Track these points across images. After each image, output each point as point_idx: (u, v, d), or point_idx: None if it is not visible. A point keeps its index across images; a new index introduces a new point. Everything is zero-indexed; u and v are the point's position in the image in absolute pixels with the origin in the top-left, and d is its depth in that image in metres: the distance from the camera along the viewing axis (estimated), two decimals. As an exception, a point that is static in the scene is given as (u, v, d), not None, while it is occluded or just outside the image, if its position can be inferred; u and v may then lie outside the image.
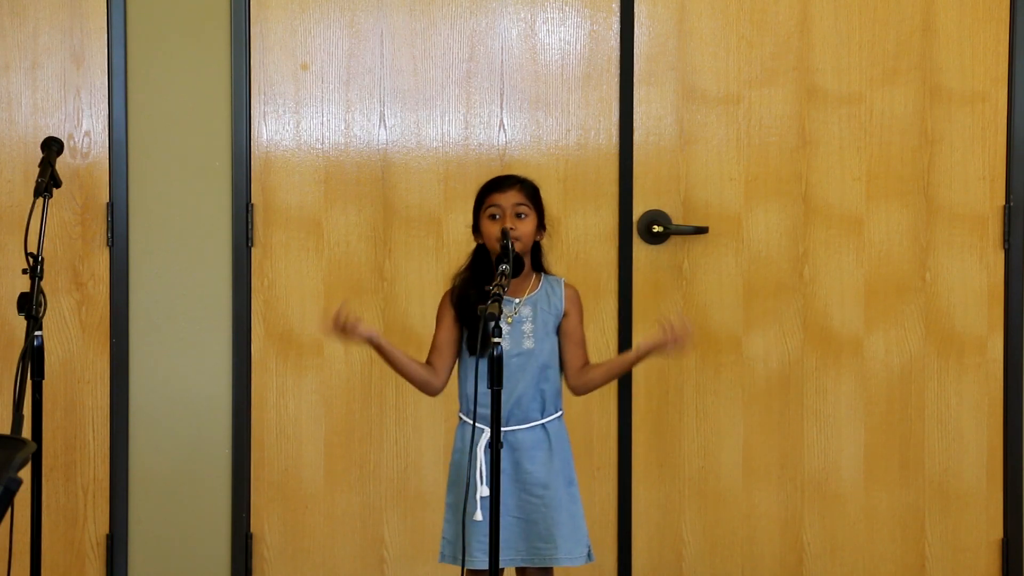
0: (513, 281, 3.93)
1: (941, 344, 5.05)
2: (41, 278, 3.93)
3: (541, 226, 4.12)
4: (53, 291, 4.84)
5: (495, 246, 4.03)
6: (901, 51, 5.00)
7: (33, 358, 3.92)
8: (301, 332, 4.97)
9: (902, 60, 5.00)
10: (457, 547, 4.04)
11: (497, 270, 3.87)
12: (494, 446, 3.78)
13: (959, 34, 5.00)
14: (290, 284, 4.96)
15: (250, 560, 4.98)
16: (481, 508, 3.96)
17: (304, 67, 4.95)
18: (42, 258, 3.95)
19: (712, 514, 5.04)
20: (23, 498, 3.74)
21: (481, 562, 3.98)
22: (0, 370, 4.92)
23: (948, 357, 5.05)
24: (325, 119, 4.96)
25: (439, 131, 4.98)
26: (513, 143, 4.98)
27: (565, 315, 4.10)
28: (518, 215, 4.05)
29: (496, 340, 3.72)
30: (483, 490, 3.97)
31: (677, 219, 5.00)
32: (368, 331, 3.96)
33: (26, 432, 3.80)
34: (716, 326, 5.01)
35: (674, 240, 5.00)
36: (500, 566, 3.95)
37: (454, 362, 4.10)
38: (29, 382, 3.84)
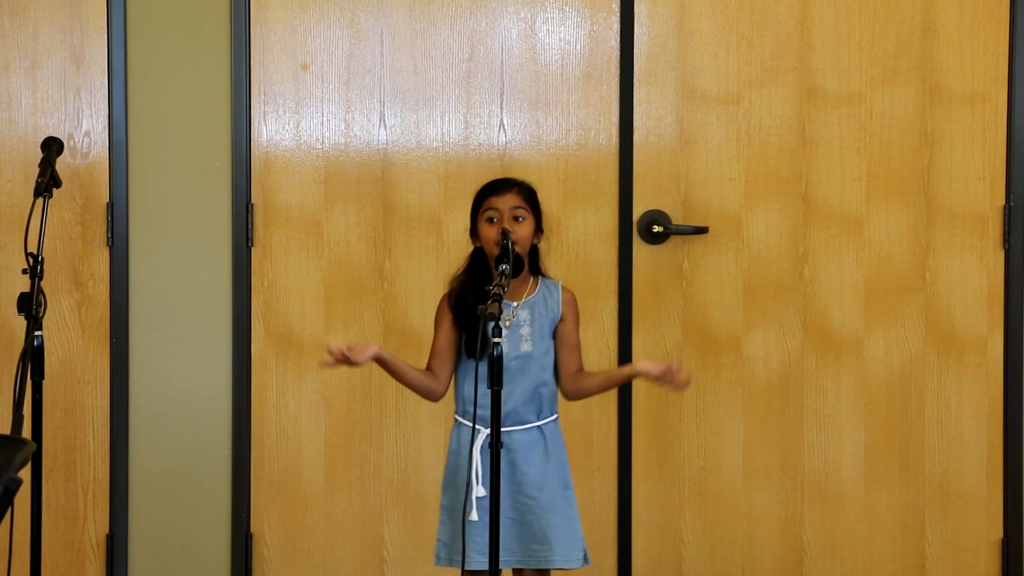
0: (511, 284, 3.92)
1: (941, 344, 5.05)
2: (41, 278, 3.93)
3: (539, 229, 4.11)
4: (53, 291, 4.84)
5: (492, 249, 4.02)
6: (901, 51, 5.00)
7: (33, 358, 3.91)
8: (301, 332, 4.97)
9: (902, 60, 5.00)
10: (452, 549, 4.04)
11: (497, 270, 3.87)
12: (494, 446, 3.78)
13: (959, 34, 5.00)
14: (290, 284, 4.96)
15: (250, 560, 4.98)
16: (477, 508, 3.96)
17: (304, 67, 4.95)
18: (42, 258, 3.95)
19: (712, 514, 5.04)
20: (23, 498, 3.74)
21: (476, 563, 3.98)
22: (0, 370, 4.92)
23: (948, 357, 5.05)
24: (325, 119, 4.96)
25: (439, 131, 4.98)
26: (513, 143, 4.98)
27: (561, 319, 4.10)
28: (516, 218, 4.05)
29: (496, 340, 3.72)
30: (479, 490, 3.97)
31: (677, 219, 5.00)
32: (373, 353, 3.94)
33: (26, 432, 3.80)
34: (716, 326, 5.01)
35: (674, 240, 5.00)
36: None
37: (454, 366, 4.10)
38: (29, 382, 3.84)
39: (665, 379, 3.99)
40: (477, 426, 4.00)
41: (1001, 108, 5.02)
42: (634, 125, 4.98)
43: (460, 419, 4.09)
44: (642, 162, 4.98)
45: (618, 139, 4.97)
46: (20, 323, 3.96)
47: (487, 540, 3.92)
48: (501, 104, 4.98)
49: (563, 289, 4.13)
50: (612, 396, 4.97)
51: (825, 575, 5.06)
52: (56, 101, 4.91)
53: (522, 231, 4.03)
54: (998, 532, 5.08)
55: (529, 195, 4.10)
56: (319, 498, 4.99)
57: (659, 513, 5.03)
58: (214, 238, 4.93)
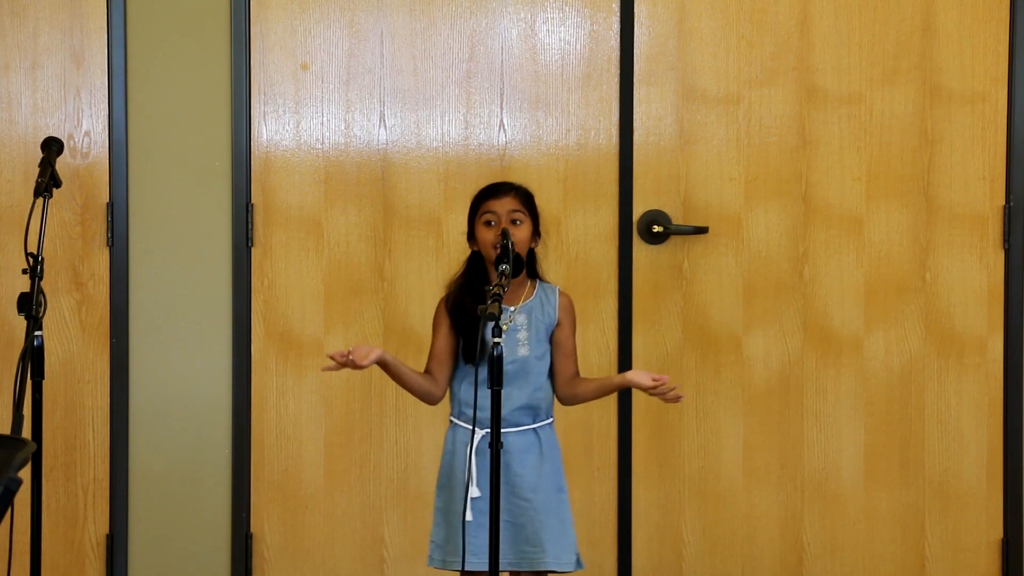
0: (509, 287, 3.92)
1: (941, 344, 5.05)
2: (41, 278, 3.93)
3: (536, 233, 4.11)
4: (53, 291, 4.84)
5: (490, 253, 4.02)
6: (901, 51, 5.00)
7: (33, 358, 3.91)
8: (301, 332, 4.97)
9: (902, 60, 5.00)
10: (446, 550, 4.03)
11: (496, 271, 3.87)
12: (494, 446, 3.78)
13: (959, 34, 5.00)
14: (290, 284, 4.96)
15: (250, 560, 4.98)
16: (471, 509, 3.96)
17: (304, 67, 4.95)
18: (42, 258, 3.94)
19: (712, 514, 5.04)
20: (23, 498, 3.74)
21: (469, 563, 3.98)
22: (0, 370, 4.92)
23: (948, 357, 5.05)
24: (325, 119, 4.96)
25: (439, 131, 4.98)
26: (513, 143, 4.97)
27: (558, 324, 4.09)
28: (513, 221, 4.04)
29: (496, 340, 3.72)
30: (473, 491, 3.96)
31: (677, 219, 5.00)
32: (376, 357, 3.94)
33: (26, 432, 3.80)
34: (716, 326, 5.01)
35: (674, 240, 5.00)
36: (483, 568, 3.95)
37: (453, 369, 4.10)
38: (29, 382, 3.84)
39: (657, 392, 3.99)
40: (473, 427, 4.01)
41: (1001, 108, 5.02)
42: (634, 125, 4.97)
43: (456, 420, 4.09)
44: (642, 162, 4.98)
45: (618, 139, 4.97)
46: (20, 323, 3.96)
47: (480, 541, 3.92)
48: (501, 104, 4.98)
49: (560, 294, 4.13)
50: (612, 397, 4.97)
51: (825, 575, 5.06)
52: (56, 101, 4.91)
53: (519, 234, 4.02)
54: (998, 532, 5.08)
55: (526, 199, 4.10)
56: (319, 498, 4.99)
57: (659, 513, 5.03)
58: (214, 238, 4.93)
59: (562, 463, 4.11)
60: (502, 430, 3.92)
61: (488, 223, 4.05)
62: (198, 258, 4.94)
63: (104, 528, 4.96)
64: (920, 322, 5.04)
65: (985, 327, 5.05)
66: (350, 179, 4.97)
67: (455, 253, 4.71)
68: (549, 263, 4.80)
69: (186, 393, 4.94)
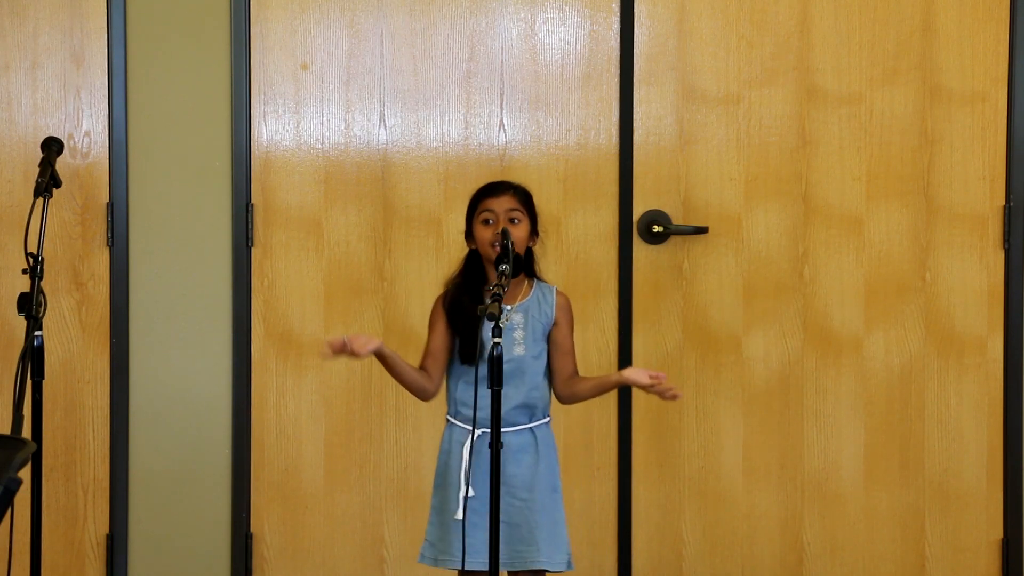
0: None
1: (941, 344, 5.05)
2: (41, 278, 3.93)
3: (534, 232, 4.11)
4: (53, 291, 4.84)
5: (487, 251, 4.03)
6: (901, 51, 5.00)
7: (33, 358, 3.91)
8: (301, 332, 4.97)
9: (902, 60, 5.00)
10: (438, 548, 4.04)
11: (496, 271, 3.87)
12: (494, 446, 3.78)
13: (959, 34, 5.00)
14: (290, 284, 4.96)
15: (250, 560, 4.98)
16: (462, 507, 3.96)
17: (304, 67, 4.95)
18: (42, 258, 3.94)
19: (712, 514, 5.04)
20: (23, 498, 3.73)
21: (460, 562, 3.99)
22: (0, 370, 4.92)
23: (948, 357, 5.05)
24: (325, 119, 4.96)
25: (439, 131, 4.98)
26: (513, 143, 4.98)
27: (555, 324, 4.09)
28: (511, 220, 4.05)
29: (496, 340, 3.72)
30: (465, 490, 3.97)
31: (677, 219, 5.00)
32: (374, 347, 3.95)
33: (26, 432, 3.80)
34: (716, 326, 5.01)
35: (674, 240, 5.00)
36: (478, 567, 3.96)
37: (445, 365, 4.11)
38: (29, 382, 3.84)
39: (654, 390, 3.99)
40: (468, 427, 4.01)
41: (1001, 108, 5.02)
42: (634, 125, 4.97)
43: (452, 420, 4.09)
44: (642, 162, 4.98)
45: (618, 139, 4.97)
46: (20, 323, 3.96)
47: (474, 540, 3.92)
48: (501, 104, 4.98)
49: (558, 293, 4.13)
50: (612, 396, 4.97)
51: (825, 575, 5.06)
52: (56, 101, 4.91)
53: (517, 233, 4.02)
54: (998, 532, 5.08)
55: (525, 198, 4.10)
56: (319, 498, 4.99)
57: (659, 513, 5.03)
58: (214, 238, 4.93)
59: (558, 462, 4.12)
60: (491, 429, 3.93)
61: (486, 222, 4.05)
62: (198, 258, 4.94)
63: (104, 528, 4.96)
64: (920, 322, 5.04)
65: (985, 327, 5.05)
66: (350, 179, 4.97)
67: (455, 253, 4.71)
68: (549, 263, 4.80)
69: (186, 393, 4.94)
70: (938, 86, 5.01)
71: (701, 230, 4.99)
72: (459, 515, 3.97)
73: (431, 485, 4.14)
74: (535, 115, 4.98)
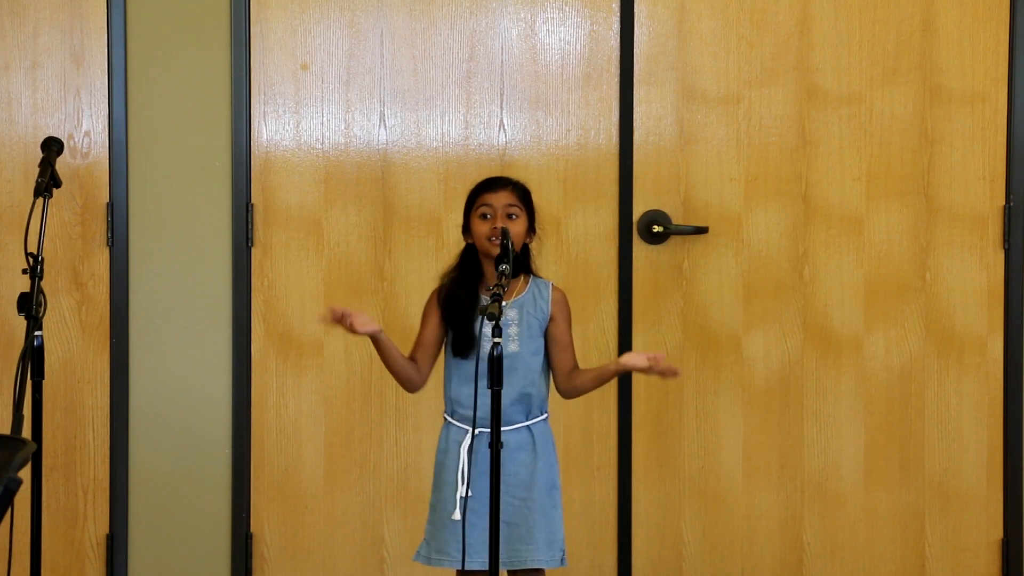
0: None
1: (941, 344, 5.05)
2: (41, 278, 3.93)
3: (531, 229, 4.12)
4: (53, 291, 4.84)
5: (484, 245, 4.04)
6: (901, 51, 5.00)
7: (33, 358, 3.91)
8: (301, 332, 4.97)
9: (902, 60, 5.00)
10: (434, 547, 4.04)
11: (496, 270, 3.87)
12: (494, 445, 3.78)
13: (959, 34, 5.00)
14: (290, 284, 4.96)
15: (250, 560, 4.98)
16: (460, 508, 3.97)
17: (304, 67, 4.95)
18: (42, 258, 3.94)
19: (712, 514, 5.04)
20: (23, 498, 3.74)
21: (455, 562, 3.99)
22: (0, 370, 4.92)
23: (948, 357, 5.05)
24: (325, 119, 4.96)
25: (439, 131, 4.98)
26: (513, 143, 4.98)
27: (551, 319, 4.10)
28: (509, 216, 4.06)
29: (496, 340, 3.73)
30: (461, 490, 3.97)
31: (677, 219, 5.00)
32: (372, 329, 3.97)
33: (26, 432, 3.80)
34: (716, 326, 5.01)
35: (674, 240, 5.00)
36: (476, 567, 3.96)
37: (435, 360, 4.11)
38: (29, 382, 3.84)
39: (652, 371, 3.99)
40: (465, 426, 4.01)
41: (1001, 108, 5.02)
42: (634, 125, 4.98)
43: (449, 419, 4.09)
44: (642, 162, 4.98)
45: (618, 139, 4.97)
46: (20, 323, 3.96)
47: (472, 540, 3.92)
48: (501, 104, 4.98)
49: (553, 288, 4.13)
50: (612, 396, 4.97)
51: (825, 575, 5.06)
52: (56, 101, 4.91)
53: (515, 229, 4.03)
54: (998, 532, 5.08)
55: (523, 194, 4.11)
56: (319, 498, 4.99)
57: (659, 513, 5.03)
58: (214, 238, 4.93)
59: (557, 459, 4.12)
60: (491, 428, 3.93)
61: (484, 216, 4.06)
62: (198, 258, 4.94)
63: (104, 528, 4.96)
64: (920, 322, 5.04)
65: (985, 327, 5.05)
66: (350, 179, 4.97)
67: (455, 253, 4.71)
68: (549, 263, 4.80)
69: (186, 393, 4.94)
70: (938, 86, 5.01)
71: (701, 230, 4.99)
72: (456, 515, 3.98)
73: (431, 485, 4.14)
74: (535, 115, 4.98)
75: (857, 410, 5.04)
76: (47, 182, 4.03)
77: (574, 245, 4.98)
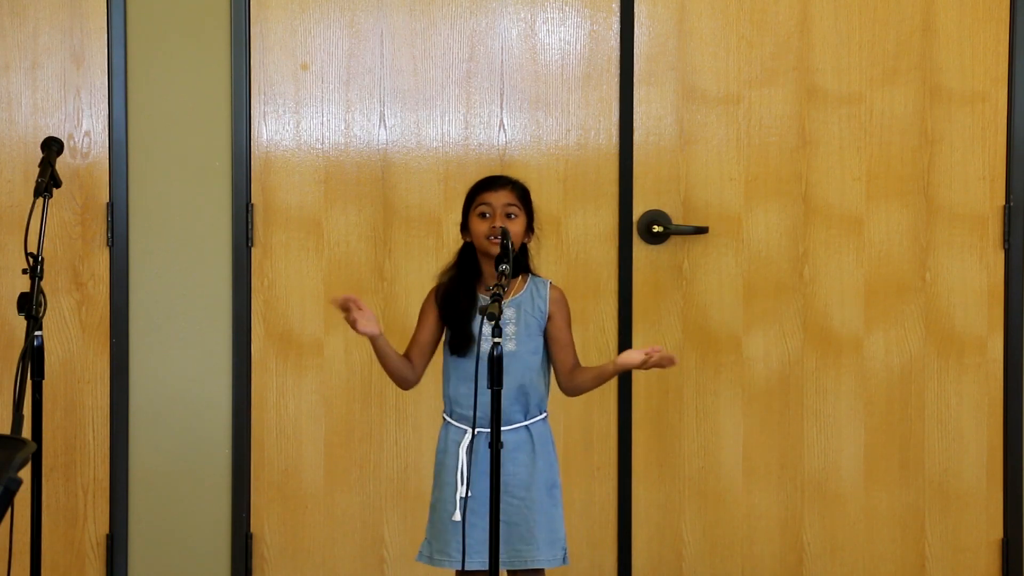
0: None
1: (941, 344, 5.05)
2: (41, 278, 3.93)
3: (530, 228, 4.12)
4: (53, 291, 4.84)
5: (483, 244, 4.04)
6: (901, 51, 5.00)
7: (33, 358, 3.91)
8: (301, 332, 4.97)
9: (902, 60, 5.00)
10: (435, 547, 4.05)
11: (497, 270, 3.87)
12: (494, 446, 3.78)
13: (959, 34, 5.00)
14: (290, 284, 4.96)
15: (250, 560, 4.98)
16: (459, 508, 3.97)
17: (304, 67, 4.95)
18: (42, 258, 3.94)
19: (712, 514, 5.04)
20: (23, 498, 3.74)
21: (456, 562, 3.99)
22: (0, 370, 4.92)
23: (948, 357, 5.05)
24: (325, 119, 4.96)
25: (439, 131, 4.98)
26: (513, 143, 4.98)
27: (549, 318, 4.10)
28: (508, 215, 4.06)
29: (496, 340, 3.73)
30: (461, 490, 3.97)
31: (677, 219, 5.00)
32: (372, 332, 3.97)
33: (26, 432, 3.80)
34: (716, 326, 5.01)
35: (674, 240, 5.00)
36: (476, 567, 3.96)
37: (430, 359, 4.11)
38: (29, 382, 3.84)
39: (649, 365, 3.98)
40: (463, 426, 4.01)
41: (1001, 108, 5.02)
42: (634, 125, 4.97)
43: (447, 419, 4.10)
44: (642, 162, 4.98)
45: (618, 139, 4.97)
46: (20, 323, 3.96)
47: (471, 540, 3.92)
48: (501, 104, 4.98)
49: (551, 287, 4.13)
50: (612, 396, 4.97)
51: (825, 575, 5.06)
52: (56, 101, 4.91)
53: (513, 228, 4.03)
54: (998, 532, 5.08)
55: (522, 194, 4.11)
56: (319, 498, 4.99)
57: (659, 513, 5.03)
58: (214, 238, 4.93)
59: (556, 458, 4.11)
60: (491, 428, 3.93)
61: (483, 215, 4.06)
62: (198, 258, 4.94)
63: (104, 528, 4.96)
64: (920, 322, 5.04)
65: (985, 327, 5.05)
66: (350, 179, 4.97)
67: (454, 252, 4.71)
68: (549, 263, 4.80)
69: (186, 393, 4.94)
70: (938, 86, 5.01)
71: (701, 230, 4.99)
72: (456, 516, 3.98)
73: (431, 485, 4.14)
74: (535, 115, 4.98)
75: (857, 410, 5.04)
76: (47, 182, 4.03)
77: (574, 245, 4.98)
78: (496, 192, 4.08)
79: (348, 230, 4.96)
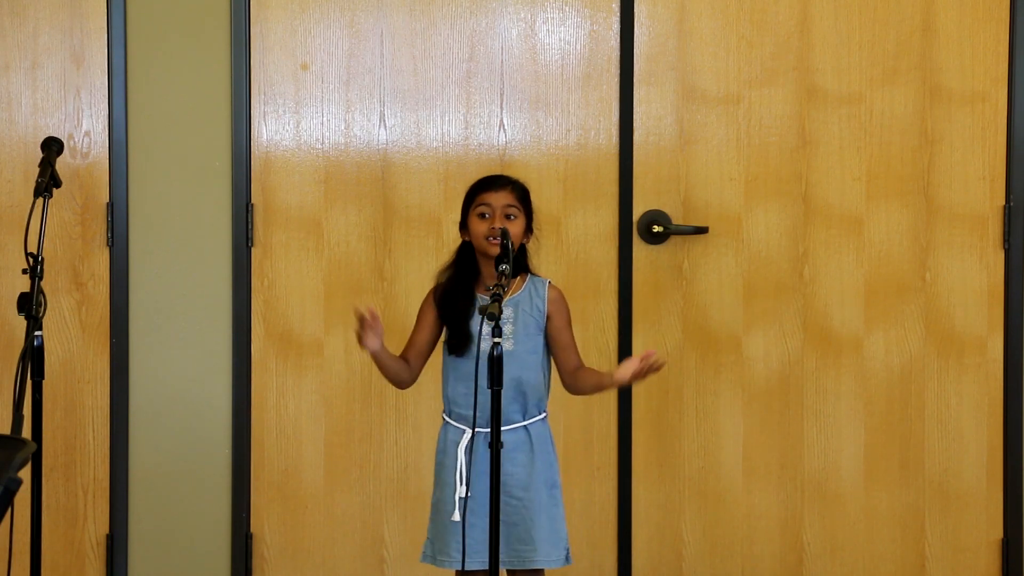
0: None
1: (941, 344, 5.05)
2: (41, 278, 3.93)
3: (529, 229, 4.12)
4: (53, 291, 4.84)
5: (482, 244, 4.04)
6: (901, 51, 5.00)
7: (33, 358, 3.91)
8: (301, 332, 4.97)
9: (902, 60, 5.00)
10: (437, 548, 4.05)
11: (497, 270, 3.87)
12: (494, 446, 3.78)
13: (959, 34, 5.00)
14: (290, 284, 4.96)
15: (250, 560, 4.98)
16: (459, 509, 3.97)
17: (304, 67, 4.95)
18: (42, 258, 3.94)
19: (712, 514, 5.04)
20: (23, 498, 3.74)
21: (456, 563, 3.99)
22: (0, 370, 4.92)
23: (948, 357, 5.05)
24: (325, 119, 4.96)
25: (439, 131, 4.98)
26: (513, 143, 4.98)
27: (549, 318, 4.09)
28: (507, 216, 4.06)
29: (496, 340, 3.73)
30: (460, 490, 3.97)
31: (677, 219, 5.00)
32: (374, 349, 3.97)
33: (26, 432, 3.80)
34: (716, 326, 5.01)
35: (674, 240, 5.00)
36: (476, 568, 3.96)
37: (427, 359, 4.11)
38: (29, 382, 3.84)
39: (645, 374, 3.97)
40: (461, 426, 4.01)
41: (1001, 108, 5.02)
42: (634, 125, 4.98)
43: (447, 419, 4.10)
44: (642, 162, 4.98)
45: (618, 139, 4.97)
46: (20, 323, 3.96)
47: (471, 540, 3.92)
48: (501, 104, 4.98)
49: (550, 287, 4.13)
50: (612, 396, 4.97)
51: (825, 575, 5.06)
52: (56, 101, 4.91)
53: (512, 229, 4.03)
54: (998, 532, 5.08)
55: (522, 194, 4.11)
56: (319, 498, 4.99)
57: (659, 513, 5.03)
58: (214, 238, 4.93)
59: (556, 458, 4.11)
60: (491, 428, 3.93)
61: (482, 215, 4.06)
62: (198, 258, 4.94)
63: (104, 528, 4.96)
64: (920, 322, 5.04)
65: (985, 327, 5.05)
66: (350, 179, 4.97)
67: (453, 250, 4.72)
68: (549, 263, 4.80)
69: (186, 393, 4.94)
70: (938, 86, 5.01)
71: (701, 230, 4.99)
72: (456, 516, 3.98)
73: (431, 485, 4.14)
74: (535, 115, 4.98)
75: (857, 410, 5.04)
76: (47, 182, 4.03)
77: (574, 245, 4.98)
78: (496, 192, 4.08)
79: (348, 230, 4.96)
